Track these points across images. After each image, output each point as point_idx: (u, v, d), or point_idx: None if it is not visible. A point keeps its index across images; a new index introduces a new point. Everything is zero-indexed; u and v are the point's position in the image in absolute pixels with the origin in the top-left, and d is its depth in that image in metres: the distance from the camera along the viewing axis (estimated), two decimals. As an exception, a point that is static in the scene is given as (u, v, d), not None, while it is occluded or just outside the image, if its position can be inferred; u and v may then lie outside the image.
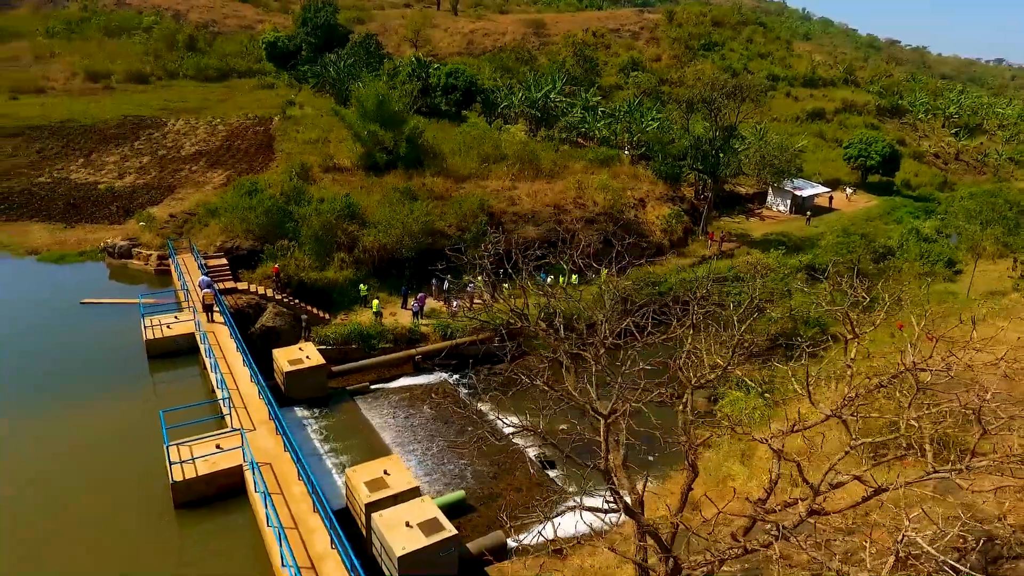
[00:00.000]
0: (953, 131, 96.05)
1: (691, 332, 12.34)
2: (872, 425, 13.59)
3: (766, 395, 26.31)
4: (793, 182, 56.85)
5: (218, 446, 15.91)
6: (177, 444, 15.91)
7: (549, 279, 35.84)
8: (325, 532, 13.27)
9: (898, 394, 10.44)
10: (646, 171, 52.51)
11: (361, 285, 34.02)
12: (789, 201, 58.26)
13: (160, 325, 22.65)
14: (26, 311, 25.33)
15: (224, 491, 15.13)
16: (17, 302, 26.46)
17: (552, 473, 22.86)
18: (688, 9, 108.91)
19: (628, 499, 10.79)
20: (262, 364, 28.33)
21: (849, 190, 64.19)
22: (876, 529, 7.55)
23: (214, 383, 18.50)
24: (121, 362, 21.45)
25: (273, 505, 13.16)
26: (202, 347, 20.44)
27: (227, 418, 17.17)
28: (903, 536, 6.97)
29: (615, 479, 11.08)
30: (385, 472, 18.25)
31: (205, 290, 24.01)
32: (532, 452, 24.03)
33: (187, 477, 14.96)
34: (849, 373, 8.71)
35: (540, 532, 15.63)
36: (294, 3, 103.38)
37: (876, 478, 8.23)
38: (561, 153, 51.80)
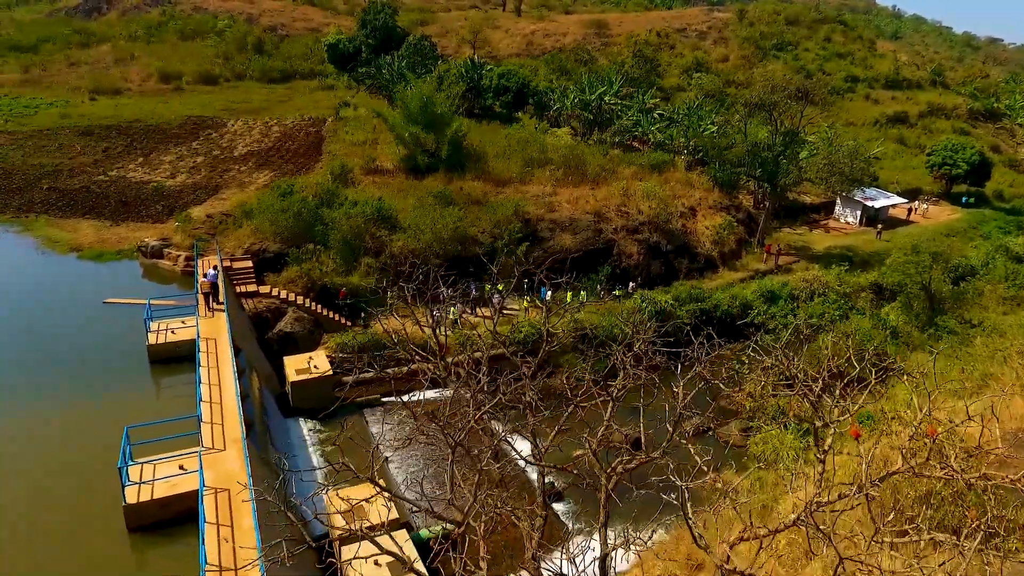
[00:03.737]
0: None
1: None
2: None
3: (807, 433, 23.70)
4: (864, 191, 52.54)
5: (181, 467, 15.22)
6: (141, 463, 15.31)
7: (549, 294, 34.03)
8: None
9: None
10: (701, 177, 49.72)
11: (388, 292, 33.30)
12: (859, 212, 53.96)
13: (166, 330, 22.47)
14: (49, 309, 25.82)
15: (181, 516, 14.38)
16: (44, 299, 27.05)
17: (558, 507, 21.23)
18: (761, 7, 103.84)
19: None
20: (279, 371, 27.99)
21: (923, 205, 58.69)
22: None
23: (198, 395, 17.90)
24: (122, 367, 21.31)
25: (204, 541, 12.23)
26: (198, 355, 19.97)
27: (200, 435, 16.47)
28: None
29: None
30: (367, 499, 17.08)
31: (202, 279, 24.06)
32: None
33: (141, 500, 14.30)
34: (819, 470, 6.74)
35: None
36: (361, 5, 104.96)
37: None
38: (610, 157, 49.69)
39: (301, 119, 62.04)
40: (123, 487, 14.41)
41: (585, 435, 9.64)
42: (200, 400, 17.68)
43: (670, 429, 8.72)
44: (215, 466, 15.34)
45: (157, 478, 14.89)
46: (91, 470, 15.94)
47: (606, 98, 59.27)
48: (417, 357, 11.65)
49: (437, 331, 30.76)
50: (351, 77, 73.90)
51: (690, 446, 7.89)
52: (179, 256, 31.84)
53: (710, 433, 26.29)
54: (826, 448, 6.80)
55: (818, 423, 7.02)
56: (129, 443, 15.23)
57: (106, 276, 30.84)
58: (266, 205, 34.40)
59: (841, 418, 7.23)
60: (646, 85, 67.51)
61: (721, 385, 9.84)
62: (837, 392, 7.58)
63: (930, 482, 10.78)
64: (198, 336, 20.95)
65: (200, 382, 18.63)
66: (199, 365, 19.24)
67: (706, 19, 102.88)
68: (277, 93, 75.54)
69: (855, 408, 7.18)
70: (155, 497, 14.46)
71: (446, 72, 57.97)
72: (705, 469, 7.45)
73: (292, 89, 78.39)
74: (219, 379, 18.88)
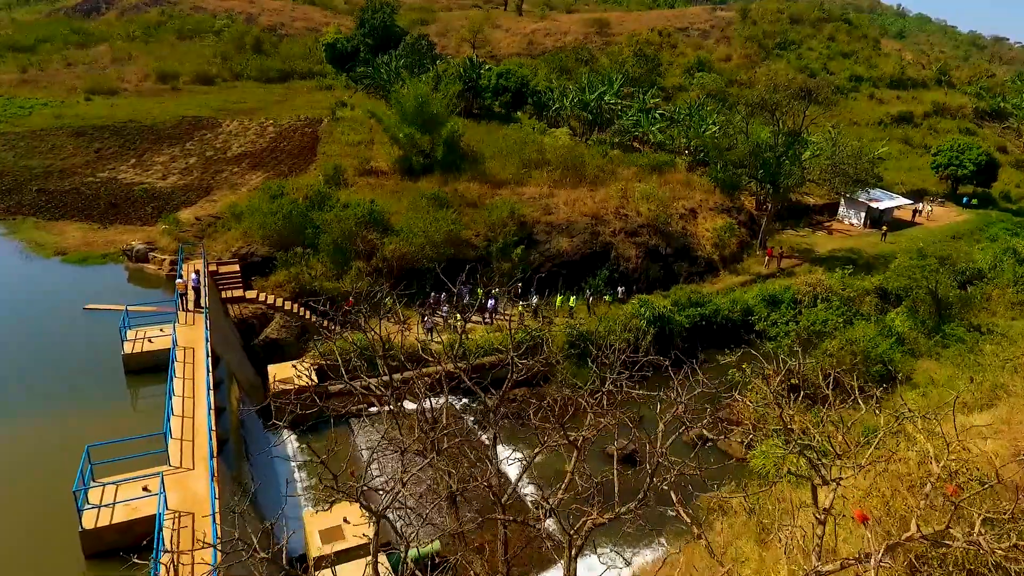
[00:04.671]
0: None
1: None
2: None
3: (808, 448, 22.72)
4: (869, 192, 51.56)
5: (145, 488, 14.34)
6: (103, 484, 14.42)
7: (535, 299, 33.28)
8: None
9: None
10: (702, 179, 48.83)
11: (388, 298, 32.44)
12: (863, 214, 52.92)
13: (143, 338, 21.61)
14: (25, 315, 24.96)
15: (142, 541, 13.45)
16: (22, 305, 26.20)
17: (549, 523, 20.35)
18: (764, 6, 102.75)
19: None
20: (265, 380, 27.15)
21: (927, 207, 57.39)
22: None
23: (168, 410, 16.95)
24: (95, 377, 20.44)
25: (159, 573, 11.38)
26: (172, 366, 19.07)
27: (167, 454, 15.60)
28: None
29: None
30: (344, 520, 16.28)
31: (178, 280, 23.51)
32: (530, 497, 21.58)
33: (99, 525, 13.43)
34: (819, 533, 5.78)
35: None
36: (361, 4, 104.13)
37: None
38: (609, 158, 48.82)
39: (297, 119, 61.30)
40: (79, 511, 13.54)
41: (540, 497, 8.76)
42: (170, 415, 16.82)
43: (649, 472, 7.85)
44: (181, 487, 14.48)
45: (118, 501, 14.01)
46: (52, 490, 15.00)
47: (606, 97, 58.40)
48: (362, 388, 10.77)
49: (429, 338, 29.96)
50: (349, 77, 73.14)
51: (673, 497, 7.03)
52: (164, 260, 31.02)
53: (709, 445, 25.35)
54: (826, 507, 5.92)
55: (816, 480, 6.14)
56: (91, 462, 14.36)
57: (89, 281, 30.03)
58: (255, 207, 33.65)
59: (845, 476, 6.34)
60: (647, 84, 66.60)
61: (706, 432, 8.97)
62: (839, 441, 6.73)
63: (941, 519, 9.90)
64: (174, 345, 20.09)
65: (173, 394, 17.80)
66: (172, 376, 18.37)
67: (709, 18, 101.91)
68: (274, 93, 74.79)
69: (860, 472, 6.26)
70: (114, 522, 13.60)
71: (444, 71, 57.17)
72: (689, 523, 6.58)
73: (290, 89, 77.64)
74: (193, 392, 18.06)
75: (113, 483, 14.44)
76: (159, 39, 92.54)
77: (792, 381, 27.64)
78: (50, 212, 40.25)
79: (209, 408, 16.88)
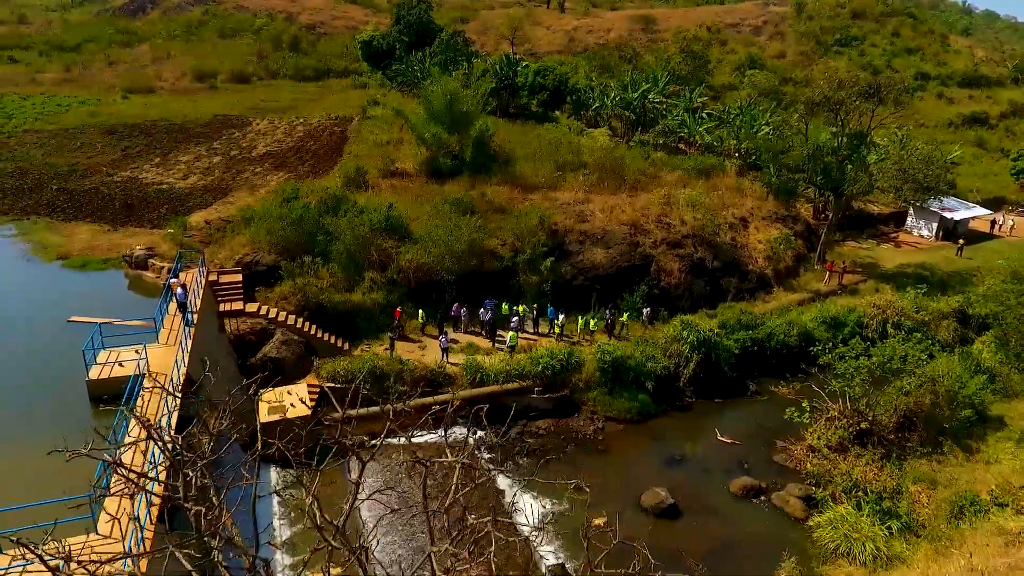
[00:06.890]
0: None
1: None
2: None
3: (888, 516, 18.80)
4: (941, 201, 46.51)
5: (67, 558, 11.66)
6: (7, 569, 11.74)
7: (561, 317, 29.93)
8: None
9: None
10: (754, 184, 44.70)
11: (420, 311, 29.82)
12: (935, 224, 47.82)
13: (114, 362, 19.17)
14: (1, 329, 22.91)
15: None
16: (2, 317, 24.19)
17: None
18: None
19: None
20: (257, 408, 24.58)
21: (1009, 220, 51.55)
22: None
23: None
24: (57, 407, 18.01)
25: None
26: (132, 399, 16.48)
27: (96, 519, 12.90)
28: None
29: None
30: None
31: (172, 280, 21.52)
32: (548, 558, 18.38)
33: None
34: None
35: None
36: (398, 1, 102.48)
37: None
38: (652, 161, 45.14)
39: (327, 118, 59.51)
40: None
41: None
42: (114, 464, 14.15)
43: None
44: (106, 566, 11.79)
45: (22, 583, 11.40)
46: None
47: (650, 96, 54.68)
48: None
49: (444, 360, 26.86)
50: (383, 75, 71.14)
51: None
52: (163, 267, 28.84)
53: (762, 501, 21.64)
54: None
55: None
56: (-3, 532, 11.77)
57: (85, 288, 28.02)
58: (266, 211, 31.31)
59: None
60: (695, 83, 62.48)
61: None
62: None
63: None
64: (140, 371, 17.50)
65: (125, 435, 15.25)
66: (127, 413, 15.74)
67: (761, 13, 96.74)
68: (308, 91, 73.54)
69: None
70: (10, 614, 10.99)
71: (474, 69, 54.29)
72: None
73: (325, 87, 76.38)
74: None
75: (21, 565, 11.75)
76: (200, 37, 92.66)
77: (862, 425, 23.84)
78: (65, 212, 38.86)
79: (155, 458, 14.14)
